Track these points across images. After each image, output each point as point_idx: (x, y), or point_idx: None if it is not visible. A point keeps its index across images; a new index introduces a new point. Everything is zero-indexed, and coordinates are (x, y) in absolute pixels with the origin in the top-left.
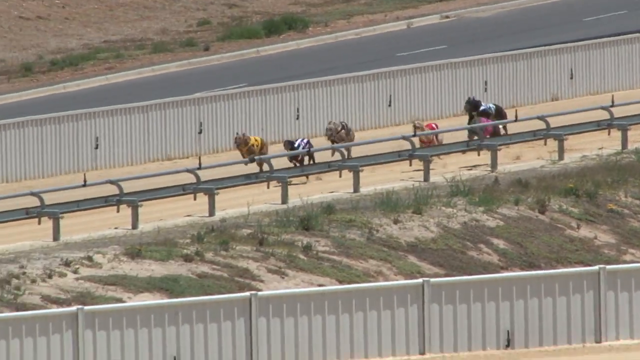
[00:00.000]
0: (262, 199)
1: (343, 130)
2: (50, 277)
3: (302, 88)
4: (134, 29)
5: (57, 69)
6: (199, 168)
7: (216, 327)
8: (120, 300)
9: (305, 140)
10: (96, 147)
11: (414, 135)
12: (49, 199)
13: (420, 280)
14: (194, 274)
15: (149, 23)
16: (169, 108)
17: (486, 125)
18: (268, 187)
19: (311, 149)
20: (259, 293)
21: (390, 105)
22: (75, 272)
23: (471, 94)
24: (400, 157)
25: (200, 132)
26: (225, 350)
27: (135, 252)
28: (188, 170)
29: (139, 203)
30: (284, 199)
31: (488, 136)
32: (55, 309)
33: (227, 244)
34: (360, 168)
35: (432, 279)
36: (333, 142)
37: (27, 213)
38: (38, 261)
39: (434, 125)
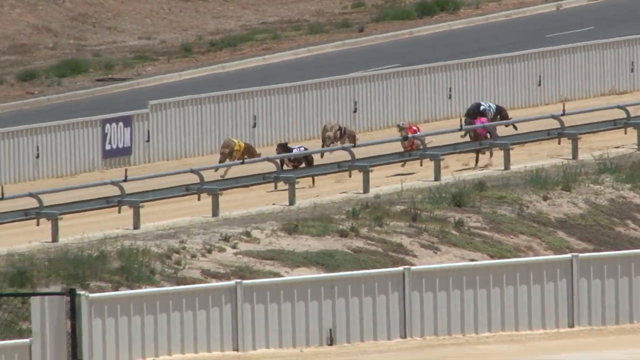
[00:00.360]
0: (415, 177)
1: (339, 132)
2: (209, 252)
3: (454, 68)
4: (290, 11)
5: (215, 49)
6: (354, 146)
7: (370, 300)
8: (277, 275)
9: (301, 148)
10: (254, 126)
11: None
12: (208, 176)
13: (569, 255)
14: (349, 249)
15: (305, 5)
16: (324, 88)
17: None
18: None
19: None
20: (412, 268)
21: (540, 85)
22: (234, 247)
23: (617, 74)
24: (550, 135)
25: (355, 111)
26: (380, 323)
27: (292, 228)
28: (343, 148)
29: (297, 180)
30: (437, 176)
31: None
32: (214, 283)
33: (381, 220)
34: (511, 146)
35: (581, 254)
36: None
37: (187, 189)
38: (198, 236)
39: (414, 128)
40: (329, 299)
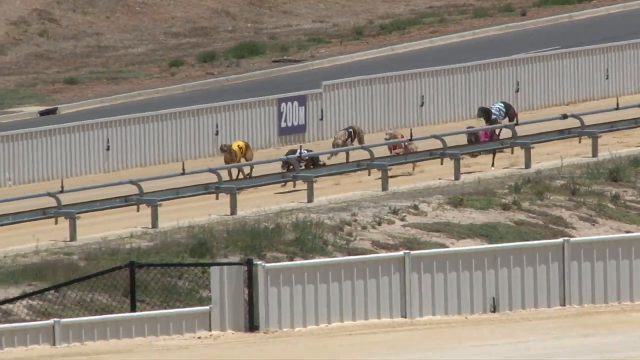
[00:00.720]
0: (574, 153)
1: (349, 140)
2: (379, 224)
3: (611, 51)
4: None
5: (385, 32)
6: (517, 124)
7: (532, 270)
8: (443, 246)
9: (305, 151)
10: (421, 105)
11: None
12: (377, 152)
13: None
14: (512, 222)
15: None
16: (488, 69)
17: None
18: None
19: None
20: (571, 239)
21: None
22: (402, 219)
23: None
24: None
25: (517, 91)
26: (540, 292)
27: (457, 202)
28: (506, 127)
29: (461, 157)
30: (594, 153)
31: (487, 139)
32: (384, 254)
33: (542, 194)
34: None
35: None
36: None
37: (358, 165)
38: (368, 210)
39: (402, 135)
40: (492, 269)
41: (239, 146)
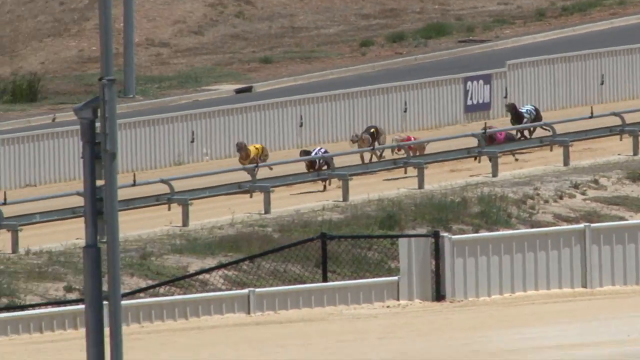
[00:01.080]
0: None
1: (368, 137)
2: (560, 197)
3: None
4: None
5: (567, 14)
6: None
7: None
8: (622, 219)
9: (322, 150)
10: (601, 83)
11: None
12: (560, 129)
13: None
14: None
15: None
16: None
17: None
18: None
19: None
20: None
21: None
22: (582, 193)
23: None
24: None
25: None
26: None
27: (636, 176)
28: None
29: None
30: None
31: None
32: (565, 226)
33: None
34: None
35: None
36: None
37: (541, 142)
38: (550, 184)
39: (411, 137)
40: None
41: (255, 147)
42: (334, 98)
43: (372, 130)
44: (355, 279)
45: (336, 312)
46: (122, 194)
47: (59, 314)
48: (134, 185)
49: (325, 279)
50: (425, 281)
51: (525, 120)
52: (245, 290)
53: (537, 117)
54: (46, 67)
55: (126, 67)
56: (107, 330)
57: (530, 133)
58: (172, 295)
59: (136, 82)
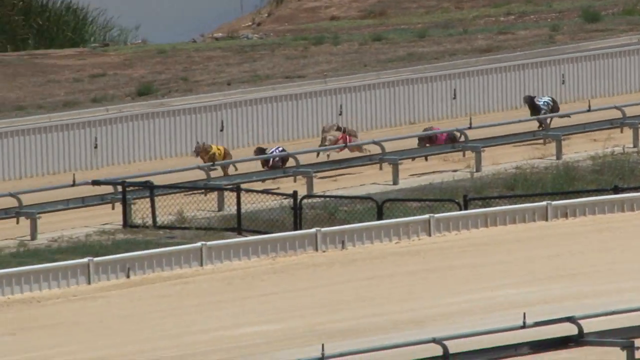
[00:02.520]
0: None
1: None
2: None
3: None
4: None
5: None
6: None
7: None
8: None
9: (280, 148)
10: None
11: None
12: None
13: None
14: None
15: None
16: None
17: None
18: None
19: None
20: None
21: None
22: None
23: None
24: None
25: None
26: None
27: None
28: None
29: None
30: None
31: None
32: None
33: None
34: None
35: None
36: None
37: None
38: None
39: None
40: None
41: (217, 149)
42: None
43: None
44: None
45: None
46: None
47: None
48: None
49: None
50: None
51: (543, 112)
52: None
53: (554, 108)
54: None
55: None
56: None
57: (546, 125)
58: None
59: None
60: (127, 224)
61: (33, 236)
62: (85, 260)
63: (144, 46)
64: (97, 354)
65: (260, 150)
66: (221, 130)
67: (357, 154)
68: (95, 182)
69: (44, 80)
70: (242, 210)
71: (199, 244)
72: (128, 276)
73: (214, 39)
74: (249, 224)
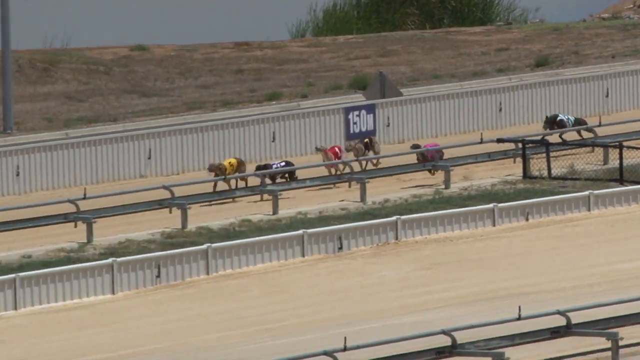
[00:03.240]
0: None
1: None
2: None
3: None
4: None
5: None
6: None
7: None
8: None
9: (282, 163)
10: None
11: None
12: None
13: None
14: None
15: None
16: None
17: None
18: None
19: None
20: None
21: None
22: None
23: None
24: None
25: None
26: None
27: None
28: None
29: None
30: None
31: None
32: None
33: None
34: None
35: None
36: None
37: None
38: None
39: (336, 149)
40: None
41: (229, 163)
42: None
43: (365, 140)
44: None
45: None
46: None
47: None
48: None
49: None
50: None
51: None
52: None
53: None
54: None
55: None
56: None
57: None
58: None
59: None
60: (526, 175)
61: (447, 185)
62: (491, 205)
63: (541, 24)
64: (502, 285)
65: (261, 167)
66: (607, 96)
67: None
68: (500, 140)
69: (456, 54)
70: (624, 164)
71: (586, 192)
72: (527, 219)
73: (601, 19)
74: (629, 176)
